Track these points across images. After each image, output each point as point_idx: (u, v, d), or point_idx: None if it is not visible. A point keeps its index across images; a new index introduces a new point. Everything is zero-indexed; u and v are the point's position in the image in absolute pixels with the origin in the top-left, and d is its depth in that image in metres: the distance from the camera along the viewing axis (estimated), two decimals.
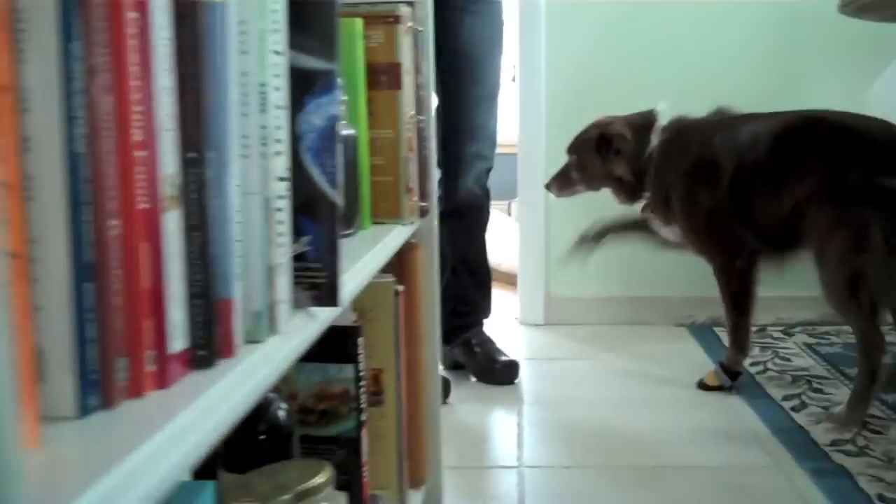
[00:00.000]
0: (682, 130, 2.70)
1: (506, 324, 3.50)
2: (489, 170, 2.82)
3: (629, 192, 2.78)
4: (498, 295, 3.18)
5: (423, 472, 1.68)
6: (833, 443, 2.19)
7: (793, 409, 2.46)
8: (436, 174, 1.75)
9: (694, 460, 2.16)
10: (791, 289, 3.34)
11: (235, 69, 0.70)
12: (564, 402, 2.65)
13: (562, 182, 2.87)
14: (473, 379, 2.81)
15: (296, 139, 0.84)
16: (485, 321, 2.93)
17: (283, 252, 0.76)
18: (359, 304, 1.51)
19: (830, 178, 2.35)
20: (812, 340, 3.18)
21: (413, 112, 1.59)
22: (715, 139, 2.60)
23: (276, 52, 0.76)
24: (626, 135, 2.72)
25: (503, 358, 2.82)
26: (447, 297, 2.80)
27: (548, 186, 2.92)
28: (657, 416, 2.49)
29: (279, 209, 0.75)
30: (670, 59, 3.47)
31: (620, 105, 3.25)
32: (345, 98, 1.38)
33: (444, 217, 2.77)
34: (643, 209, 2.80)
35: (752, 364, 2.89)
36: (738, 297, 2.65)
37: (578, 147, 2.83)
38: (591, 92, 3.41)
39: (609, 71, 3.48)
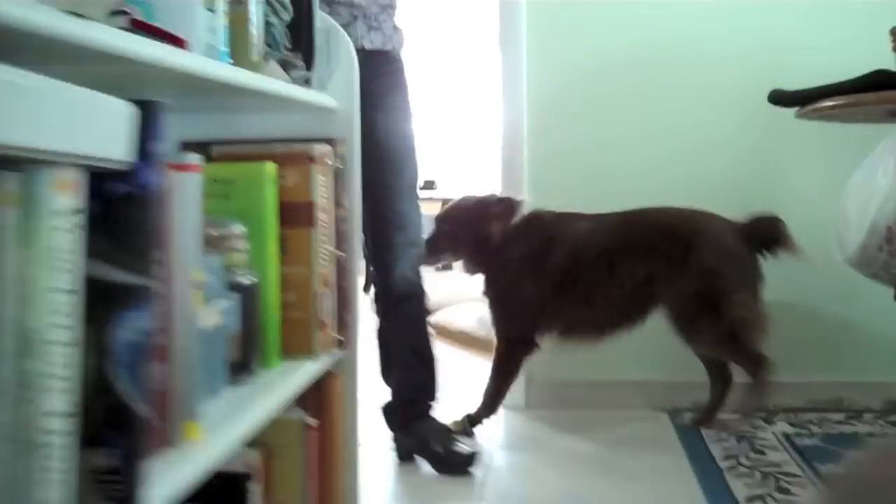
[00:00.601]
0: (528, 222, 3.11)
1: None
2: (420, 256, 2.92)
3: (470, 267, 3.18)
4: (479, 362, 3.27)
5: None
6: None
7: None
8: (358, 305, 1.76)
9: None
10: (777, 375, 3.33)
11: None
12: (524, 499, 2.63)
13: (429, 250, 3.08)
14: (429, 469, 2.81)
15: (102, 353, 0.86)
16: (434, 405, 2.94)
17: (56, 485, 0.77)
18: (264, 441, 1.52)
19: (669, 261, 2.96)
20: (791, 430, 3.13)
21: (331, 247, 1.60)
22: (558, 234, 3.06)
23: (60, 290, 0.77)
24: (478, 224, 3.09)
25: (460, 449, 2.82)
26: (401, 388, 2.82)
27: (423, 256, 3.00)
28: None
29: (49, 445, 0.76)
30: (649, 138, 3.47)
31: (593, 173, 3.30)
32: (248, 246, 1.40)
33: (388, 309, 2.81)
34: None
35: (726, 458, 2.86)
36: (511, 373, 3.14)
37: (438, 222, 3.16)
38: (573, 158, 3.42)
39: (591, 129, 3.50)
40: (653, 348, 3.40)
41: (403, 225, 2.79)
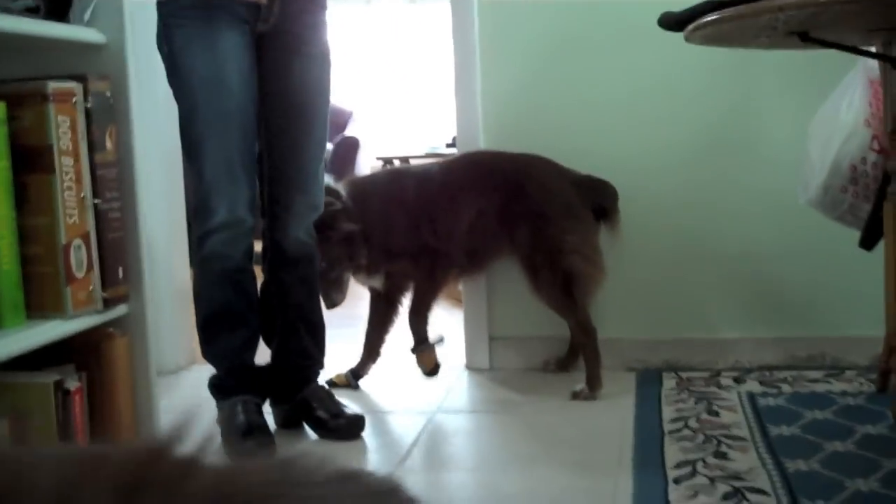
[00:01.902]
0: (359, 184, 3.15)
1: (450, 370, 3.34)
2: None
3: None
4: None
5: None
6: None
7: (676, 479, 2.22)
8: (144, 257, 1.62)
9: None
10: (753, 331, 3.12)
11: None
12: (444, 465, 2.48)
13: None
14: (314, 437, 2.66)
15: None
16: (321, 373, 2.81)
17: None
18: (14, 406, 1.40)
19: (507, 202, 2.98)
20: (759, 390, 2.90)
21: (86, 194, 1.46)
22: (417, 186, 3.05)
23: None
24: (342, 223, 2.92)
25: (345, 413, 2.68)
26: (284, 352, 2.68)
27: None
28: (526, 485, 2.28)
29: None
30: (610, 81, 3.24)
31: (560, 137, 3.08)
32: None
33: (276, 269, 2.66)
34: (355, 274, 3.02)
35: (674, 420, 2.65)
36: (429, 306, 3.07)
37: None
38: (527, 125, 3.22)
39: (545, 104, 3.28)
40: (621, 305, 3.20)
41: (306, 186, 2.63)
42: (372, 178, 3.38)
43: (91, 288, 1.45)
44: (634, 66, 3.22)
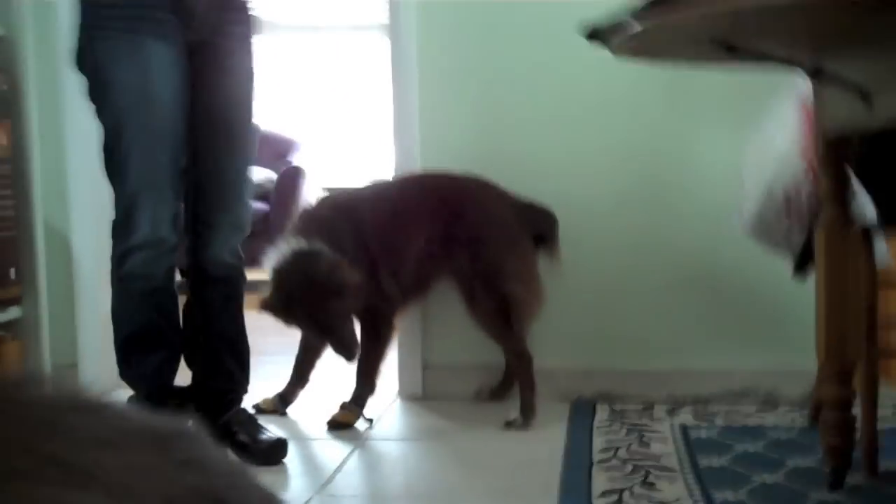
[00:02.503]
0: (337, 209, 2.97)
1: (382, 397, 3.26)
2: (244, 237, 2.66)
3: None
4: None
5: None
6: None
7: None
8: (39, 255, 1.54)
9: None
10: (688, 363, 3.09)
11: None
12: (365, 493, 2.40)
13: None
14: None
15: None
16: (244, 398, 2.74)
17: None
18: None
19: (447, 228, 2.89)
20: (692, 422, 2.85)
21: None
22: (360, 208, 2.94)
23: None
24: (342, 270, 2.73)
25: (267, 437, 2.60)
26: (207, 375, 2.59)
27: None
28: None
29: None
30: (551, 125, 3.22)
31: (499, 162, 3.04)
32: None
33: (198, 289, 2.58)
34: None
35: (605, 450, 2.60)
36: (384, 343, 2.92)
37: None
38: (466, 149, 3.17)
39: (484, 128, 3.24)
40: (557, 334, 3.15)
41: (230, 204, 2.57)
42: (321, 212, 3.03)
43: None
44: (573, 92, 3.20)
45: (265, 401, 3.05)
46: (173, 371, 2.57)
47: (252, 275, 2.78)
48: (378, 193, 3.05)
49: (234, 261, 2.62)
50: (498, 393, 3.15)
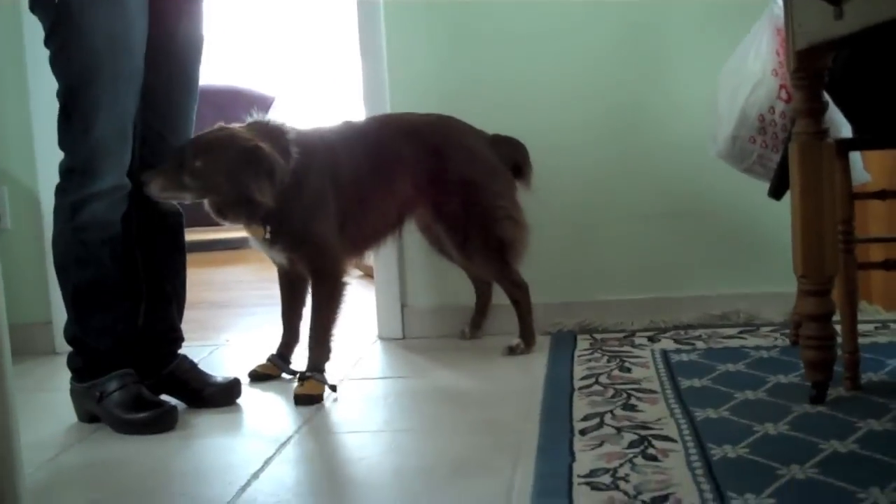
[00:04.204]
0: (305, 143, 2.61)
1: (362, 339, 3.25)
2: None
3: (252, 213, 2.54)
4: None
5: None
6: (592, 472, 1.88)
7: (582, 431, 2.14)
8: None
9: (418, 500, 1.85)
10: (667, 291, 3.08)
11: None
12: (346, 428, 2.38)
13: (170, 182, 2.45)
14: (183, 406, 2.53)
15: None
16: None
17: None
18: None
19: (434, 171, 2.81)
20: (673, 347, 2.85)
21: None
22: (335, 148, 2.70)
23: None
24: (280, 160, 2.48)
25: (217, 380, 2.59)
26: (152, 325, 2.54)
27: (145, 180, 2.43)
28: (428, 444, 2.20)
29: None
30: (521, 57, 3.18)
31: (468, 106, 2.99)
32: None
33: (144, 236, 2.53)
34: (255, 231, 2.60)
35: (585, 377, 2.59)
36: (341, 298, 2.65)
37: (215, 155, 2.46)
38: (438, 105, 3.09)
39: (456, 86, 3.20)
40: (536, 269, 3.11)
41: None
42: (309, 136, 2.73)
43: None
44: (544, 39, 3.16)
45: (262, 366, 2.82)
46: (134, 324, 2.51)
47: (210, 234, 2.72)
48: (352, 136, 2.83)
49: (178, 208, 2.58)
50: (477, 323, 3.16)
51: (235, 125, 2.59)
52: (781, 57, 2.58)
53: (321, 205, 2.63)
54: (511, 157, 2.95)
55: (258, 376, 2.79)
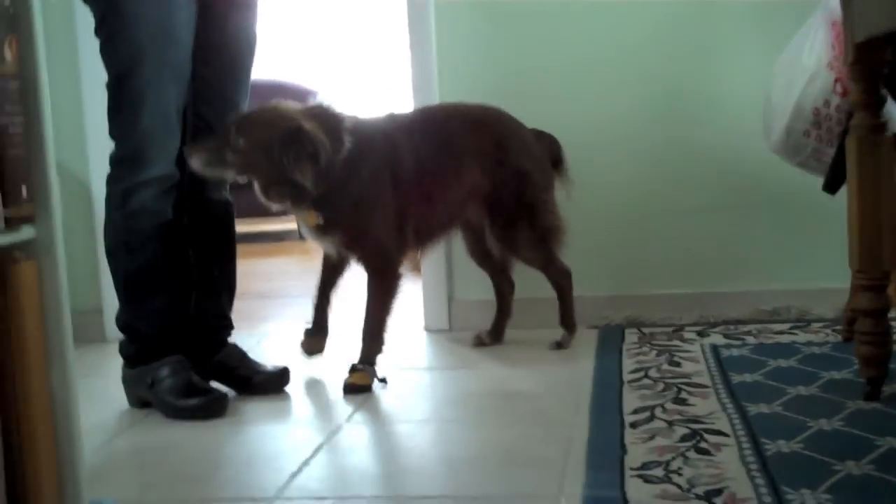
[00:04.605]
0: (363, 132, 2.56)
1: (409, 330, 3.25)
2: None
3: (298, 197, 2.49)
4: None
5: None
6: (644, 465, 1.87)
7: (633, 424, 2.13)
8: (51, 173, 1.51)
9: (469, 489, 1.85)
10: (717, 285, 3.05)
11: None
12: (395, 418, 2.39)
13: (212, 157, 2.42)
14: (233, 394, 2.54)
15: None
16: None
17: None
18: None
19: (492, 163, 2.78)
20: (723, 342, 2.82)
21: None
22: (395, 139, 2.65)
23: None
24: (326, 143, 2.44)
25: (265, 368, 2.61)
26: (202, 313, 2.56)
27: (188, 153, 2.41)
28: (476, 435, 2.20)
29: None
30: (573, 52, 3.16)
31: (519, 113, 2.96)
32: None
33: (195, 226, 2.55)
34: (307, 217, 2.55)
35: (634, 371, 2.57)
36: (396, 293, 2.64)
37: (258, 133, 2.43)
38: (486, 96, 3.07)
39: (505, 78, 3.19)
40: (581, 263, 3.09)
41: None
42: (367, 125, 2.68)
43: None
44: (592, 27, 3.15)
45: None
46: (186, 308, 2.53)
47: (255, 225, 2.71)
48: (414, 127, 2.75)
49: (228, 197, 2.61)
50: (497, 334, 3.06)
51: (290, 104, 2.55)
52: (837, 50, 2.54)
53: (378, 198, 2.60)
54: (550, 153, 2.94)
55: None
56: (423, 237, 2.79)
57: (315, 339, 2.83)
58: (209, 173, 2.45)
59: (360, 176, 2.54)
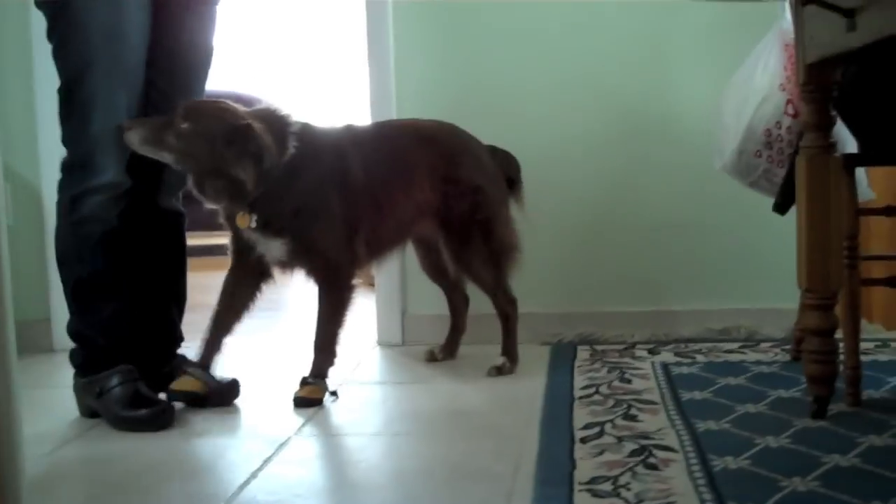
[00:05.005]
0: (311, 139, 2.54)
1: (361, 345, 3.24)
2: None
3: (234, 195, 2.44)
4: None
5: None
6: (593, 480, 1.87)
7: (583, 439, 2.13)
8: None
9: (402, 502, 1.85)
10: (668, 304, 3.08)
11: None
12: (345, 431, 2.38)
13: (152, 135, 2.35)
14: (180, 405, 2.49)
15: None
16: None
17: None
18: None
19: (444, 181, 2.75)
20: (673, 360, 2.85)
21: None
22: (343, 149, 2.62)
23: None
24: (272, 146, 2.43)
25: (216, 379, 2.57)
26: (152, 324, 2.53)
27: (126, 126, 2.32)
28: (427, 448, 2.19)
29: None
30: (532, 70, 3.19)
31: (474, 130, 2.97)
32: None
33: (145, 236, 2.52)
34: (240, 219, 2.48)
35: (586, 387, 2.58)
36: (350, 303, 2.61)
37: (205, 122, 2.38)
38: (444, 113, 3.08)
39: (464, 95, 3.21)
40: (535, 280, 3.12)
41: None
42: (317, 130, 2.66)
43: None
44: (550, 52, 3.18)
45: (180, 382, 2.50)
46: (134, 321, 2.49)
47: (208, 239, 2.67)
48: (365, 139, 2.73)
49: (180, 207, 2.59)
50: (450, 350, 3.06)
51: (237, 107, 2.50)
52: (789, 72, 2.59)
53: (321, 206, 2.54)
54: (505, 170, 2.93)
55: (178, 396, 2.48)
56: (374, 250, 2.74)
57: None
58: (144, 151, 2.36)
59: (302, 182, 2.49)
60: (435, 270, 2.99)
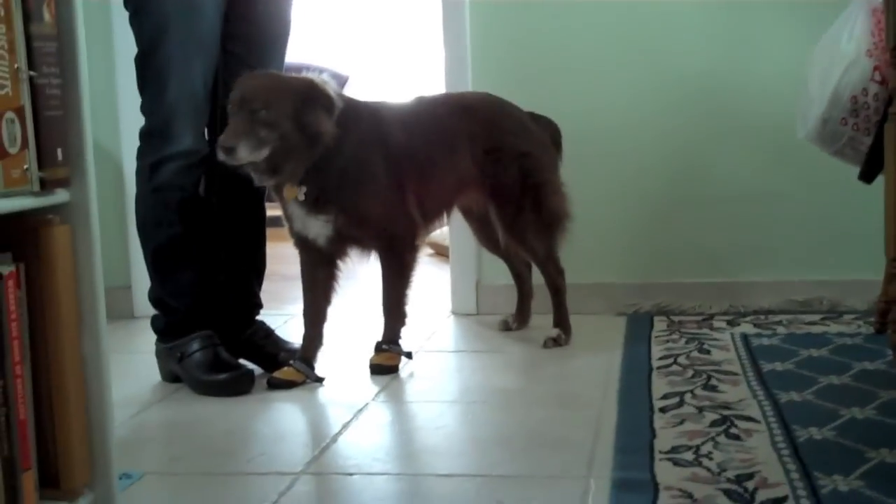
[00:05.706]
0: (351, 109, 2.47)
1: (436, 314, 3.24)
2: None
3: (298, 164, 2.37)
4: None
5: (76, 481, 1.44)
6: (673, 449, 1.86)
7: (662, 409, 2.12)
8: (87, 136, 1.51)
9: (497, 469, 1.84)
10: (748, 275, 3.03)
11: None
12: (421, 398, 2.38)
13: (253, 140, 2.26)
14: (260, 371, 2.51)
15: None
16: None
17: None
18: None
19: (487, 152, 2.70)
20: (753, 331, 2.80)
21: (20, 65, 1.35)
22: (386, 119, 2.58)
23: None
24: (334, 95, 2.41)
25: (292, 347, 2.59)
26: (231, 290, 2.56)
27: (229, 145, 2.24)
28: (504, 416, 2.19)
29: None
30: (604, 42, 3.14)
31: (551, 101, 2.94)
32: None
33: (225, 205, 2.54)
34: (286, 191, 2.42)
35: (663, 357, 2.56)
36: (413, 268, 2.59)
37: (274, 100, 2.30)
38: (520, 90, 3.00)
39: (538, 67, 3.17)
40: (610, 250, 3.10)
41: None
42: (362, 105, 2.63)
43: (26, 166, 1.34)
44: (621, 19, 3.12)
45: (282, 372, 2.47)
46: (214, 287, 2.53)
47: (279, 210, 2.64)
48: (404, 112, 2.71)
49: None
50: (522, 318, 3.01)
51: (282, 76, 2.46)
52: (877, 38, 2.52)
53: (366, 171, 2.48)
54: (550, 135, 2.88)
55: (279, 383, 2.44)
56: (421, 215, 2.64)
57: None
58: (254, 157, 2.29)
59: (345, 149, 2.42)
60: (491, 242, 2.95)
